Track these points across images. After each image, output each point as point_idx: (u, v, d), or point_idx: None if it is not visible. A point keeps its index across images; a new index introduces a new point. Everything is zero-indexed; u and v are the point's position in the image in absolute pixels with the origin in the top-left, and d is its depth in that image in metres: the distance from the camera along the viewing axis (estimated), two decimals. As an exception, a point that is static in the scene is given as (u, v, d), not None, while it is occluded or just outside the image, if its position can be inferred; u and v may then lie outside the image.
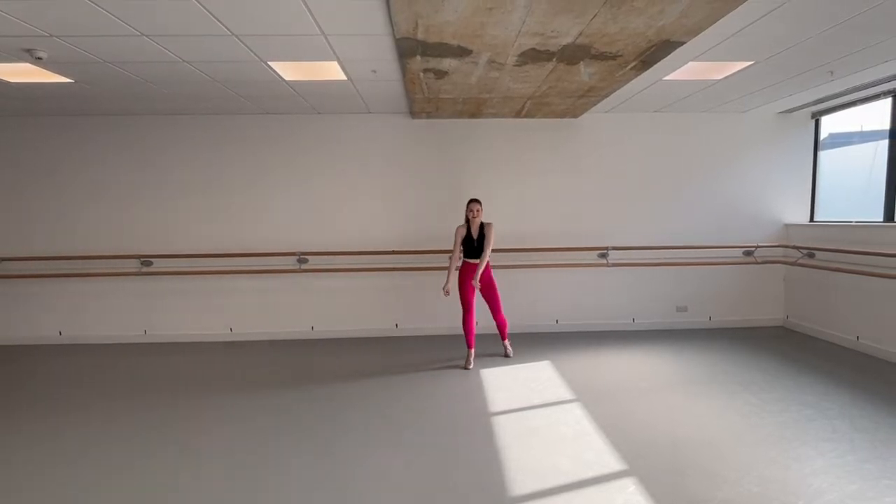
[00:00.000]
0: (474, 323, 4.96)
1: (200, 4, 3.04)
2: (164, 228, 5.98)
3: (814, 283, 5.82)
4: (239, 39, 3.60)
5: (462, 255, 4.95)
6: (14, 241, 5.92)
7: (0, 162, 5.89)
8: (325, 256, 5.99)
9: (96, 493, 2.82)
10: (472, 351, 4.96)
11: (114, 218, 5.96)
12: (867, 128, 5.80)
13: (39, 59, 3.82)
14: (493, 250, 5.87)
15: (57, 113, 5.72)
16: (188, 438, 3.45)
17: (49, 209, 5.94)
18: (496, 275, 6.02)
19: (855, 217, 5.58)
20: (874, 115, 5.60)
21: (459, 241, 4.92)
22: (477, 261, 4.85)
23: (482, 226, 4.88)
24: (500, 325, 5.12)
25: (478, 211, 4.86)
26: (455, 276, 4.95)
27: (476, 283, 4.77)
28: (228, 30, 3.42)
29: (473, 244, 4.87)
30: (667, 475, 2.87)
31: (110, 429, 3.62)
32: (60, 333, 6.02)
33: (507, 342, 5.22)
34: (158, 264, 5.97)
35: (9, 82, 4.50)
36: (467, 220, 4.91)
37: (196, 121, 5.92)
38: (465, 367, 4.84)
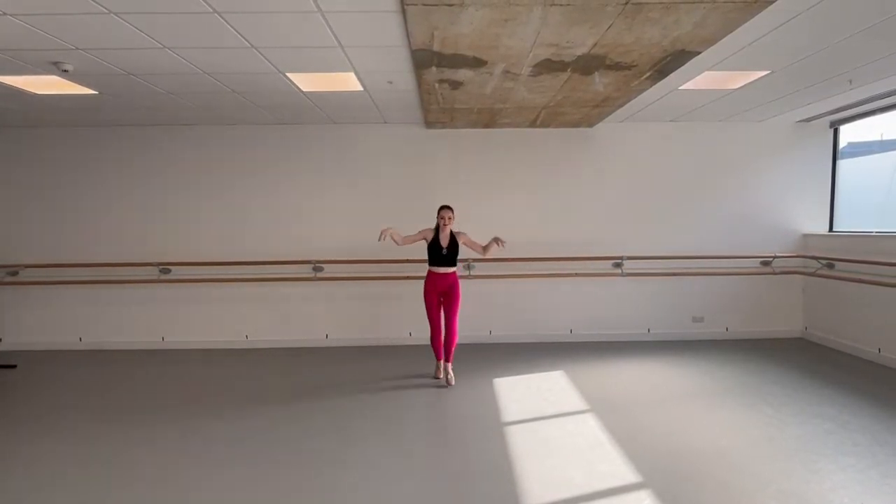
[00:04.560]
0: (441, 340, 4.72)
1: (222, 18, 3.11)
2: (183, 236, 6.08)
3: (833, 293, 5.73)
4: (258, 52, 3.67)
5: (429, 263, 4.70)
6: (36, 249, 6.06)
7: (23, 171, 6.05)
8: (340, 265, 6.03)
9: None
10: (443, 361, 4.77)
11: (134, 226, 6.08)
12: (887, 137, 5.73)
13: (66, 71, 3.94)
14: (505, 259, 5.89)
15: (80, 123, 5.87)
16: (201, 443, 3.49)
17: (70, 217, 6.07)
18: (510, 283, 6.04)
19: (875, 227, 5.50)
20: (894, 124, 5.53)
21: (419, 235, 4.67)
22: (444, 269, 4.63)
23: (453, 234, 4.66)
24: (448, 340, 4.69)
25: (449, 219, 4.62)
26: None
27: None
28: (248, 42, 3.49)
29: (441, 252, 4.60)
30: (683, 488, 2.84)
31: (129, 437, 3.68)
32: (80, 340, 6.13)
33: (450, 366, 4.71)
34: (177, 272, 6.06)
35: (36, 94, 4.63)
36: (437, 227, 4.67)
37: (215, 131, 6.03)
38: (437, 377, 4.78)
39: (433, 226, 4.71)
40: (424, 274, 4.68)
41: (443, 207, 4.69)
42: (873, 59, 3.93)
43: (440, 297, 4.71)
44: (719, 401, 4.15)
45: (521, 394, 4.39)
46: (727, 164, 6.15)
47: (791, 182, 6.14)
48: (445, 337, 4.71)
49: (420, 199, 6.02)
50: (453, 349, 4.73)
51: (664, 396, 4.29)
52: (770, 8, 2.89)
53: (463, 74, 4.01)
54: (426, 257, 4.73)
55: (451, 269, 4.68)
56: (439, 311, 4.72)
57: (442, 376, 4.74)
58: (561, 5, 2.81)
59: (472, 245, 4.75)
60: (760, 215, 6.17)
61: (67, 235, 6.08)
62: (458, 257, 4.73)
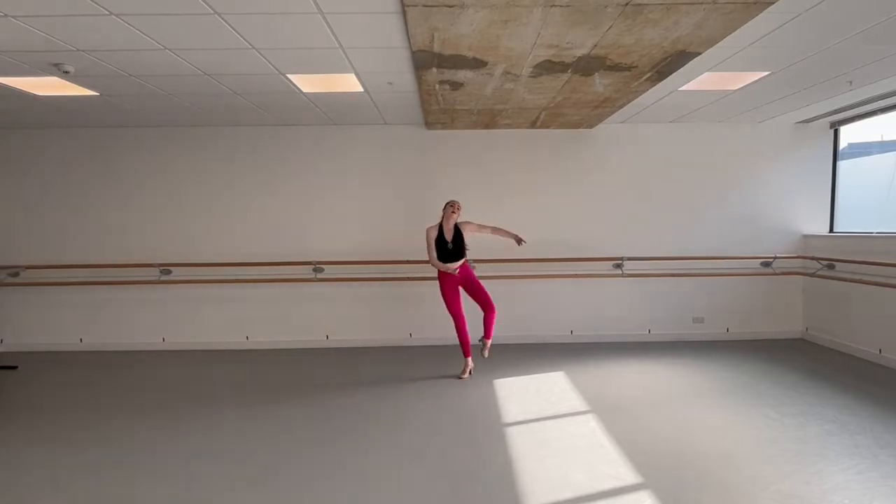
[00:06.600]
0: (467, 331, 4.80)
1: (222, 19, 3.12)
2: (184, 238, 6.09)
3: (834, 294, 5.73)
4: (259, 53, 3.67)
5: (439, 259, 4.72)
6: (37, 250, 6.07)
7: (24, 172, 6.06)
8: (341, 266, 6.03)
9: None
10: (470, 360, 4.86)
11: (135, 227, 6.09)
12: (887, 137, 5.73)
13: (66, 73, 3.94)
14: (507, 261, 5.91)
15: (81, 125, 5.87)
16: (202, 444, 3.49)
17: (71, 219, 6.08)
18: (510, 284, 6.04)
19: (875, 228, 5.50)
20: (894, 125, 5.54)
21: (434, 242, 4.68)
22: (453, 265, 4.67)
23: (457, 227, 4.70)
24: (489, 316, 4.78)
25: (458, 208, 4.70)
26: (447, 265, 4.68)
27: (454, 270, 4.65)
28: (249, 43, 3.50)
29: (448, 247, 4.64)
30: (683, 489, 2.84)
31: (131, 438, 3.68)
32: (81, 341, 6.13)
33: (489, 342, 4.85)
34: (177, 273, 6.06)
35: (36, 95, 4.64)
36: (440, 224, 4.72)
37: (215, 132, 6.04)
38: (461, 377, 4.79)
39: (436, 223, 4.72)
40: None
41: (451, 202, 4.74)
42: (873, 60, 3.93)
43: (459, 287, 4.74)
44: (720, 402, 4.15)
45: (521, 395, 4.38)
46: (727, 165, 6.15)
47: (791, 183, 6.14)
48: (485, 316, 4.76)
49: (420, 200, 6.02)
50: (493, 324, 4.76)
51: (665, 397, 4.28)
52: (770, 9, 2.90)
53: (463, 75, 4.01)
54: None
55: (460, 263, 4.72)
56: (460, 302, 4.75)
57: (467, 376, 4.78)
58: (561, 6, 2.81)
59: (480, 230, 4.73)
60: (761, 216, 6.17)
61: (68, 236, 6.08)
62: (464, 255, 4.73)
